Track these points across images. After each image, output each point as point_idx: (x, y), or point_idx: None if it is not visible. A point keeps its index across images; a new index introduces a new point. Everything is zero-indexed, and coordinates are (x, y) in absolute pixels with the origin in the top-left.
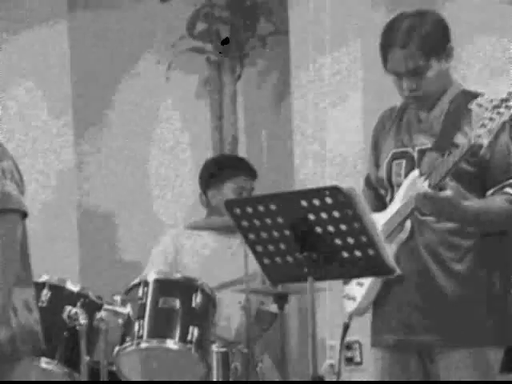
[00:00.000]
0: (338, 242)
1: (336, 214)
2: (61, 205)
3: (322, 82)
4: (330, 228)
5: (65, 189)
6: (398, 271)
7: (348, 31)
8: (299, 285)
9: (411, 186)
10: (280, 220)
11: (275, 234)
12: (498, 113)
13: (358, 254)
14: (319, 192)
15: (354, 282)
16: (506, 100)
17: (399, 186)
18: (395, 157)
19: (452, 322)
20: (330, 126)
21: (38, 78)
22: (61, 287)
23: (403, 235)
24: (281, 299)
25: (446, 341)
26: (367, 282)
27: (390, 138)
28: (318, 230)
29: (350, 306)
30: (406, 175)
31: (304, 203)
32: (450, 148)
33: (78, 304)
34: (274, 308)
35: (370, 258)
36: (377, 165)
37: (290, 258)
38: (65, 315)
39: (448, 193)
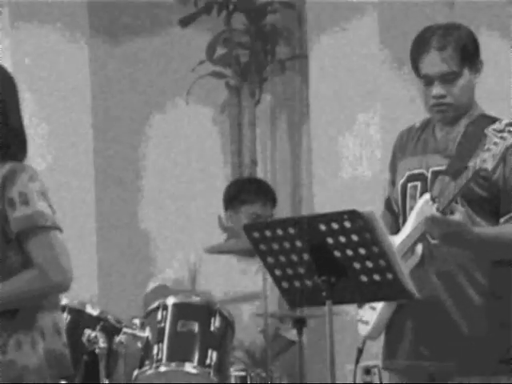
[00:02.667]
0: (356, 265)
1: (355, 237)
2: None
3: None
4: (349, 252)
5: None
6: (418, 295)
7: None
8: (318, 308)
9: (422, 209)
10: (299, 244)
11: (294, 257)
12: (502, 137)
13: (376, 278)
14: (338, 216)
15: (367, 305)
16: (510, 124)
17: (413, 208)
18: (410, 179)
19: (465, 349)
20: (347, 150)
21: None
22: (80, 311)
23: (414, 260)
24: (299, 323)
25: (459, 368)
26: (379, 305)
27: (406, 159)
28: (337, 253)
29: (364, 330)
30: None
31: (323, 227)
32: (463, 173)
33: (98, 327)
34: (292, 335)
35: (388, 282)
36: (393, 185)
37: (308, 282)
38: (84, 339)
39: (456, 217)
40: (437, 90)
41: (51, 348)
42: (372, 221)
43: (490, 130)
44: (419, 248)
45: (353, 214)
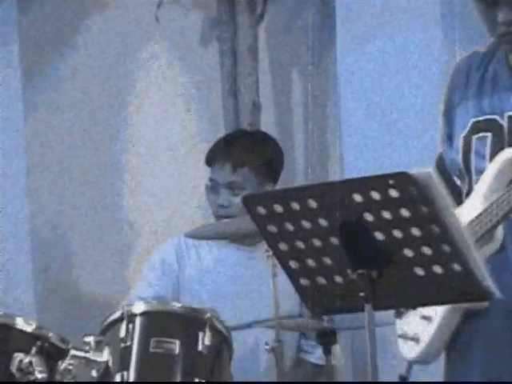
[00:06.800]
0: (408, 253)
1: (405, 212)
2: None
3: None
4: (397, 233)
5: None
6: (498, 294)
7: None
8: (353, 316)
9: (502, 171)
10: (323, 223)
11: (316, 242)
12: None
13: (438, 270)
14: (380, 180)
15: (416, 314)
16: None
17: (481, 172)
18: (476, 129)
19: None
20: (388, 83)
21: None
22: (8, 326)
23: (492, 246)
24: (326, 338)
25: None
26: (438, 314)
27: (469, 101)
28: (379, 236)
29: (411, 351)
30: (493, 156)
31: (358, 198)
32: None
33: (34, 350)
34: (318, 358)
35: (455, 275)
36: (450, 140)
37: (338, 278)
38: (14, 366)
39: None
40: (502, 14)
41: None
42: (431, 187)
43: None
44: (500, 230)
45: (402, 178)
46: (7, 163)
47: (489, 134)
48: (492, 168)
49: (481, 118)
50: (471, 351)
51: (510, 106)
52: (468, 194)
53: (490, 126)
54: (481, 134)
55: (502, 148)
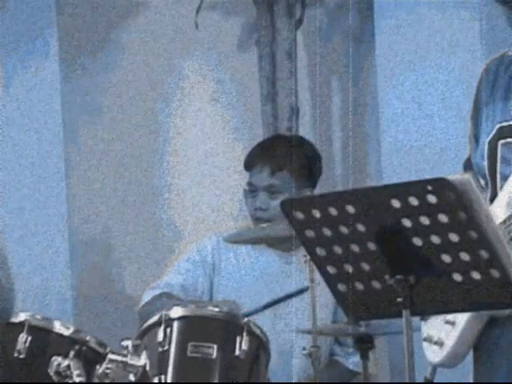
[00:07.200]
0: (446, 259)
1: (443, 218)
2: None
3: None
4: (435, 239)
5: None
6: None
7: None
8: (391, 322)
9: None
10: (361, 228)
11: (354, 248)
12: None
13: (476, 276)
14: (418, 186)
15: (440, 318)
16: None
17: (507, 178)
18: (503, 134)
19: None
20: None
21: None
22: (46, 330)
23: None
24: (363, 344)
25: None
26: (462, 318)
27: (496, 104)
28: (417, 242)
29: (435, 354)
30: None
31: (396, 203)
32: None
33: (72, 353)
34: (354, 363)
35: (493, 282)
36: (477, 143)
37: (376, 284)
38: (52, 369)
39: None
40: None
41: None
42: (469, 193)
43: None
44: None
45: (441, 184)
46: (45, 165)
47: None
48: None
49: (506, 124)
50: (497, 354)
51: None
52: (492, 199)
53: None
54: (507, 140)
55: None
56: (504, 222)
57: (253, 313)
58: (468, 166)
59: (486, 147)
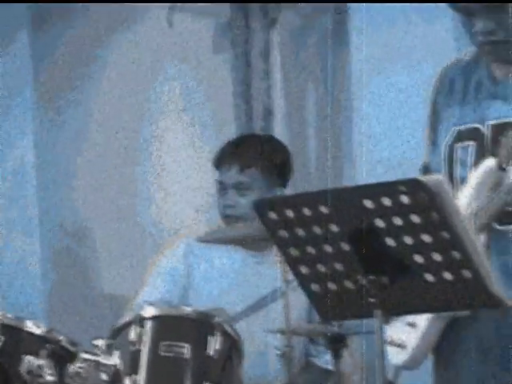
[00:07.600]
0: (418, 259)
1: (416, 218)
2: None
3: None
4: (407, 239)
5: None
6: (508, 302)
7: None
8: (364, 322)
9: (484, 181)
10: (334, 228)
11: (327, 248)
12: None
13: (448, 277)
14: (391, 187)
15: (401, 321)
16: None
17: (465, 180)
18: (460, 137)
19: None
20: (401, 95)
21: None
22: (18, 329)
23: None
24: (336, 344)
25: None
26: (422, 321)
27: (453, 108)
28: (390, 242)
29: (397, 357)
30: (476, 165)
31: (369, 204)
32: None
33: (43, 353)
34: (325, 362)
35: (466, 282)
36: (434, 145)
37: (348, 284)
38: (23, 369)
39: None
40: (481, 24)
41: None
42: (441, 194)
43: None
44: (481, 237)
45: (413, 184)
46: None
47: (472, 143)
48: (473, 178)
49: (463, 127)
50: (458, 357)
51: (492, 114)
52: None
53: (473, 134)
54: (464, 143)
55: (484, 157)
56: (475, 213)
57: (241, 316)
58: (425, 169)
59: (444, 150)
